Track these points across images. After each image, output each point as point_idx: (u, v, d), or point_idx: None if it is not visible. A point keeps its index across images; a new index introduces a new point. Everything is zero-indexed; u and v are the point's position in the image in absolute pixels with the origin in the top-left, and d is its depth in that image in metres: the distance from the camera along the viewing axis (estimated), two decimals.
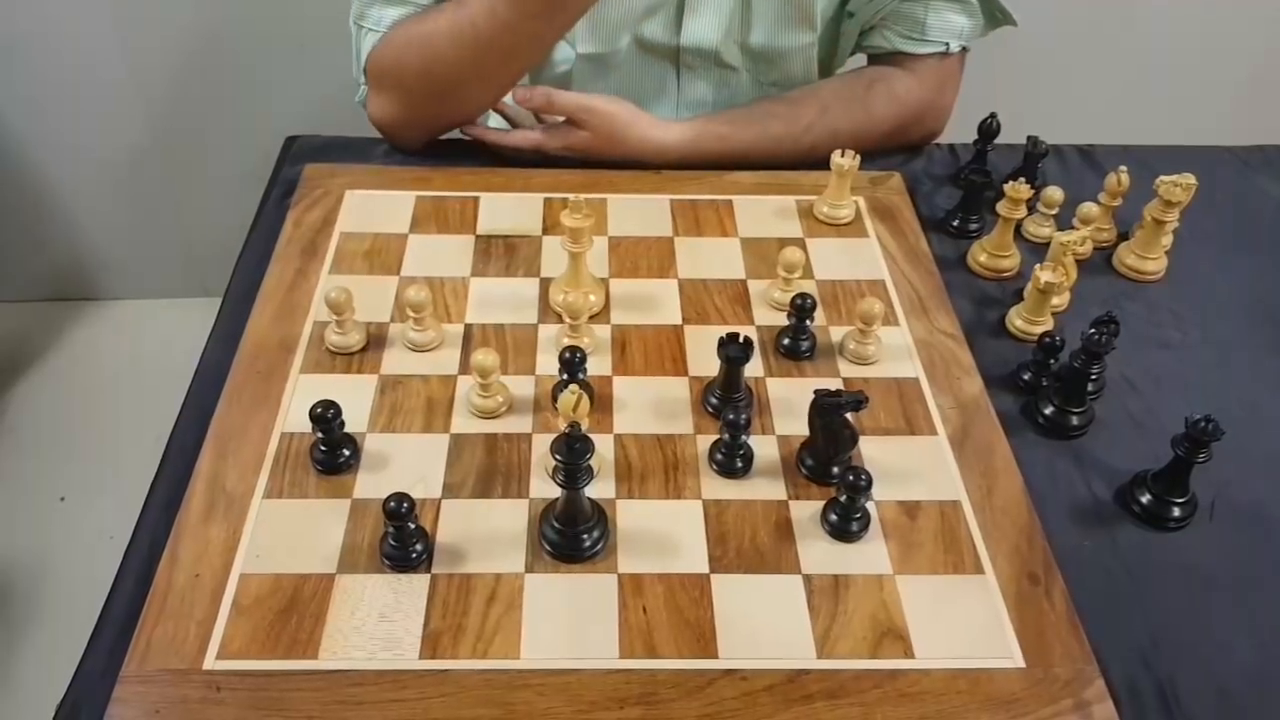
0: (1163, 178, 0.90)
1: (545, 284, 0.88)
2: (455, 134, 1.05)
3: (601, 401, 0.78)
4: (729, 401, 0.77)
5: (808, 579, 0.67)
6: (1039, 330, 0.85)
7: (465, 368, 0.80)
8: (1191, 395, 0.83)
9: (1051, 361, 0.81)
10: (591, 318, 0.84)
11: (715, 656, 0.63)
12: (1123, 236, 0.97)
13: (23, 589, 1.60)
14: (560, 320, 0.83)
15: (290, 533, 0.69)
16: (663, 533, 0.70)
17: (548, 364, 0.80)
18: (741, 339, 0.75)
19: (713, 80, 1.08)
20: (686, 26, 1.03)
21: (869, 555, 0.69)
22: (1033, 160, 1.01)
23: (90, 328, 2.04)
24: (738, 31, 1.05)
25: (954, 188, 1.04)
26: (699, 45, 1.04)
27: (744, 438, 0.73)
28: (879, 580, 0.68)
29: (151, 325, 2.02)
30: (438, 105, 1.00)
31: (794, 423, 0.77)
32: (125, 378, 1.91)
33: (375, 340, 0.82)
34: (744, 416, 0.71)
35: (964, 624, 0.66)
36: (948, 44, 1.04)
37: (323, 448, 0.72)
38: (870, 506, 0.71)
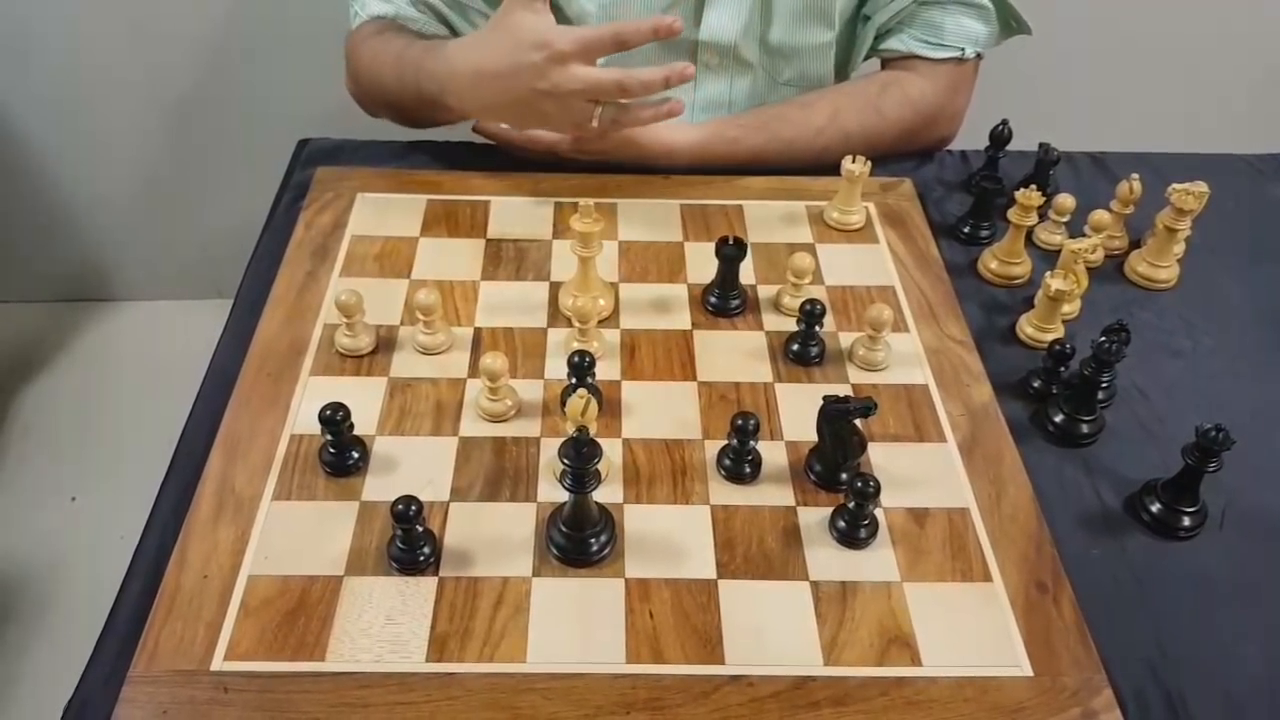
0: (1175, 185, 0.90)
1: (555, 288, 0.88)
2: (465, 135, 1.05)
3: (610, 406, 0.78)
4: (727, 298, 0.86)
5: (815, 585, 0.67)
6: (1049, 338, 0.85)
7: (474, 371, 0.80)
8: (1202, 404, 0.82)
9: (1062, 369, 0.81)
10: (600, 322, 0.84)
11: (722, 662, 0.63)
12: (1134, 244, 0.97)
13: (33, 588, 1.61)
14: (570, 324, 0.83)
15: (298, 535, 0.69)
16: (670, 538, 0.70)
17: (556, 368, 0.80)
18: (733, 239, 0.84)
19: (729, 79, 1.09)
20: (706, 20, 1.03)
21: (877, 562, 0.69)
22: (1044, 167, 1.00)
23: (103, 329, 2.04)
24: (757, 27, 1.05)
25: (965, 194, 1.03)
26: (717, 40, 1.05)
27: (752, 443, 0.73)
28: (887, 587, 0.67)
29: (164, 326, 2.03)
30: (381, 107, 1.07)
31: (802, 429, 0.76)
32: (137, 379, 1.92)
33: (385, 343, 0.83)
34: (752, 421, 0.71)
35: (972, 632, 0.65)
36: (963, 49, 1.04)
37: (332, 450, 0.73)
38: (878, 513, 0.71)
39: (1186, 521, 0.73)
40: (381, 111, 1.07)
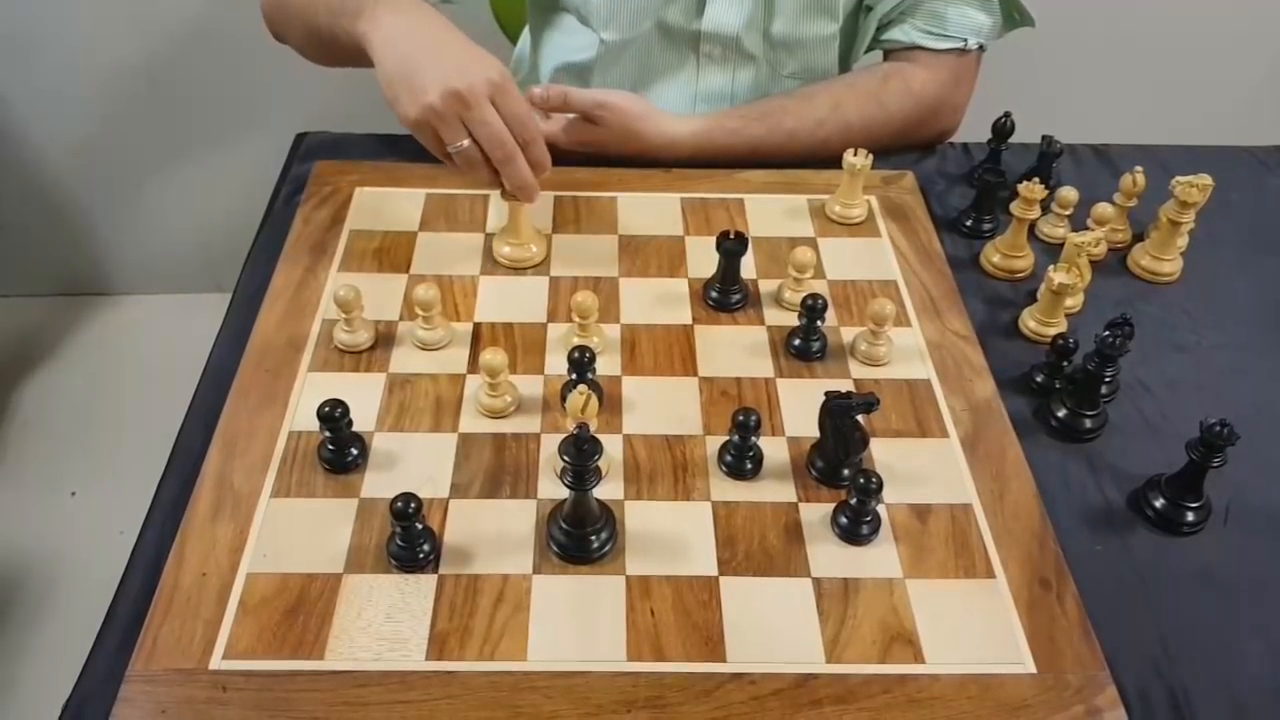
0: (1179, 178, 0.89)
1: (555, 283, 0.88)
2: None
3: (610, 402, 0.78)
4: (728, 293, 0.86)
5: (817, 582, 0.67)
6: (1052, 332, 0.84)
7: (474, 367, 0.80)
8: (1206, 398, 0.82)
9: (1065, 364, 0.81)
10: (600, 317, 0.83)
11: (723, 660, 0.63)
12: (1138, 237, 0.96)
13: (32, 584, 1.61)
14: (570, 319, 0.82)
15: (297, 532, 0.69)
16: (671, 535, 0.69)
17: (556, 364, 0.80)
18: (734, 234, 0.83)
19: (730, 71, 1.08)
20: (708, 12, 1.03)
21: (879, 559, 0.68)
22: (1047, 160, 1.00)
23: (101, 323, 2.04)
24: (760, 19, 1.04)
25: (967, 187, 1.03)
26: (720, 31, 1.04)
27: (753, 439, 0.72)
28: (889, 584, 0.67)
29: (163, 321, 2.03)
30: (284, 26, 1.02)
31: (804, 424, 0.76)
32: (137, 373, 1.92)
33: (384, 339, 0.82)
34: (754, 417, 0.70)
35: (975, 629, 0.65)
36: (966, 40, 1.04)
37: (330, 447, 0.72)
38: (881, 509, 0.71)
39: (1190, 517, 0.73)
40: (293, 34, 1.01)
